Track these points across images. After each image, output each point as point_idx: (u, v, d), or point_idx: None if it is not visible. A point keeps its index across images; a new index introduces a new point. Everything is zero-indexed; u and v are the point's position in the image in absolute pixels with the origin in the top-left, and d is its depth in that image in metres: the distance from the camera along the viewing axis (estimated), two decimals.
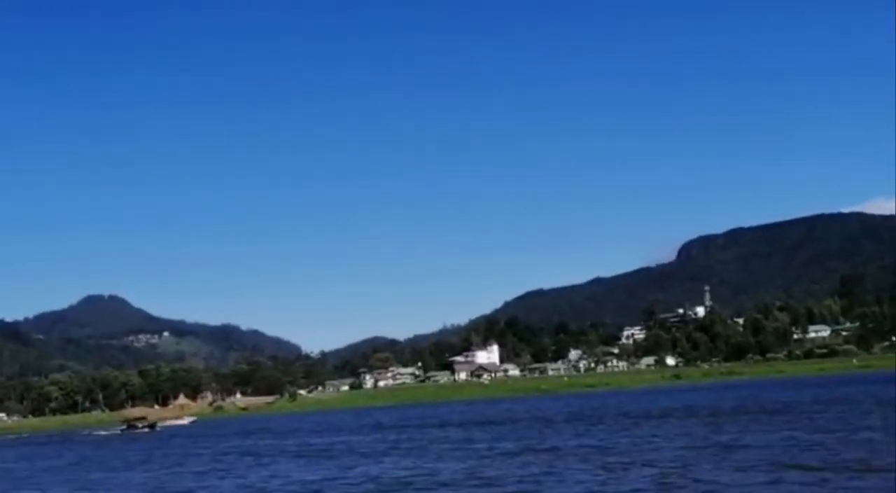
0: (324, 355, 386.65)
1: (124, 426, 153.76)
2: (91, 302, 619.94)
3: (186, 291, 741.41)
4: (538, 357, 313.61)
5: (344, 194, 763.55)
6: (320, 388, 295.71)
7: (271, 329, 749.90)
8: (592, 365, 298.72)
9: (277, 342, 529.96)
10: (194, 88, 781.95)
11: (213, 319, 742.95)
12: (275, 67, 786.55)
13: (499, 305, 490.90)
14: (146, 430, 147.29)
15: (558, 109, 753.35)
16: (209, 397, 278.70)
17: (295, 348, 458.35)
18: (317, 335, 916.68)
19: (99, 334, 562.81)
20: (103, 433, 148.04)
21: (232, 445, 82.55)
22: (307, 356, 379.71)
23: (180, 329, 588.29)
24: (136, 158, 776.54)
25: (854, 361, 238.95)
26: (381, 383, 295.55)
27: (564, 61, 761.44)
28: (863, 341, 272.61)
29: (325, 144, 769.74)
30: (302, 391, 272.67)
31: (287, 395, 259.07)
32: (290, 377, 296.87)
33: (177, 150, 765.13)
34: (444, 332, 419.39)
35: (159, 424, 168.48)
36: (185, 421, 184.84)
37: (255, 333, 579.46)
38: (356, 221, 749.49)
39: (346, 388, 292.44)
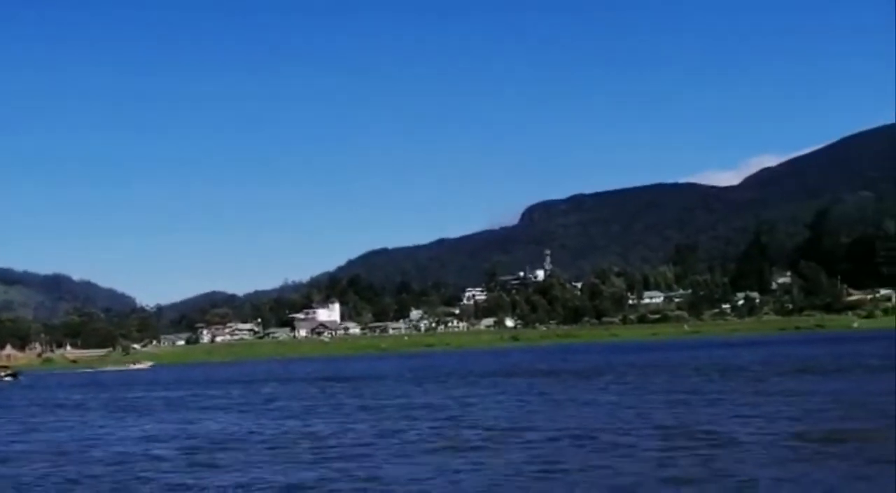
0: (160, 308, 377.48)
1: None
2: None
3: (15, 237, 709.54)
4: (379, 316, 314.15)
5: (186, 143, 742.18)
6: (155, 342, 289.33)
7: (105, 280, 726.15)
8: (433, 325, 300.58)
9: (111, 294, 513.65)
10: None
11: (44, 267, 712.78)
12: None
13: (342, 263, 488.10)
14: (9, 379, 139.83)
15: (405, 70, 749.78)
16: (38, 348, 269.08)
17: (129, 301, 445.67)
18: (153, 288, 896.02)
19: None
20: None
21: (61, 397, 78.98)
22: (142, 309, 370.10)
23: (8, 277, 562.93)
24: None
25: (685, 326, 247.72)
26: (219, 339, 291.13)
27: (416, 21, 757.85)
28: (693, 307, 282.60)
29: (168, 90, 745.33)
30: (136, 345, 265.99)
31: (120, 348, 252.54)
32: (123, 330, 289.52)
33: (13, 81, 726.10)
34: (285, 288, 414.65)
35: (120, 367, 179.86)
36: (145, 366, 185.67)
37: (88, 284, 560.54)
38: (196, 171, 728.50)
39: (181, 342, 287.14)
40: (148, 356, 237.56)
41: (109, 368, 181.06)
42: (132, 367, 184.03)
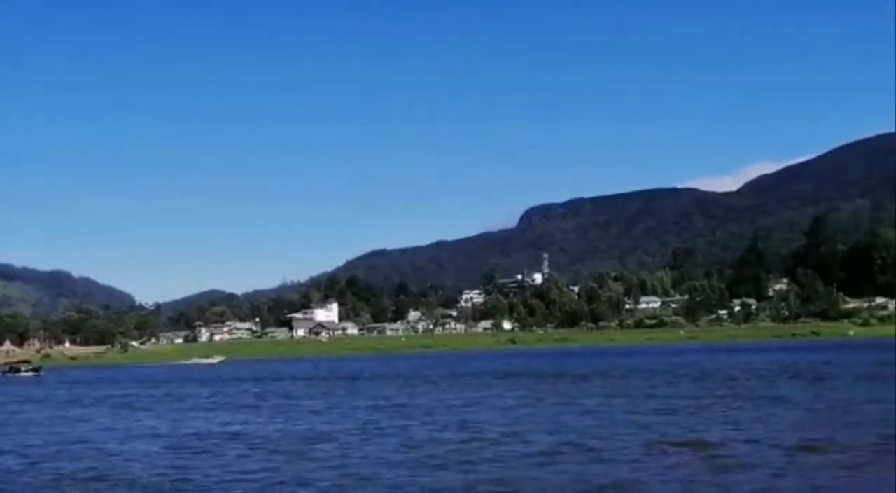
0: (158, 306, 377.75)
1: (6, 369, 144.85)
2: None
3: (15, 233, 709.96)
4: (377, 317, 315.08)
5: (187, 141, 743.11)
6: (153, 340, 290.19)
7: (104, 277, 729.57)
8: (431, 327, 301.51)
9: (110, 291, 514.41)
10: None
11: (43, 264, 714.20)
12: None
13: (341, 263, 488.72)
14: (30, 374, 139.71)
15: (408, 74, 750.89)
16: (36, 344, 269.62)
17: (128, 298, 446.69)
18: (152, 286, 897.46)
19: None
20: None
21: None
22: (141, 307, 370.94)
23: (8, 273, 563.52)
24: None
25: (681, 332, 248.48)
26: (217, 338, 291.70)
27: (412, 24, 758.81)
28: (690, 313, 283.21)
29: (168, 93, 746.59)
30: (134, 343, 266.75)
31: (118, 346, 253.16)
32: (121, 328, 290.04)
33: (16, 84, 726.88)
34: (283, 288, 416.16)
35: (189, 362, 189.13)
36: (215, 361, 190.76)
37: (87, 281, 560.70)
38: (196, 171, 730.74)
39: (180, 341, 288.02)
40: (147, 355, 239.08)
41: (182, 362, 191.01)
42: (203, 361, 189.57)
